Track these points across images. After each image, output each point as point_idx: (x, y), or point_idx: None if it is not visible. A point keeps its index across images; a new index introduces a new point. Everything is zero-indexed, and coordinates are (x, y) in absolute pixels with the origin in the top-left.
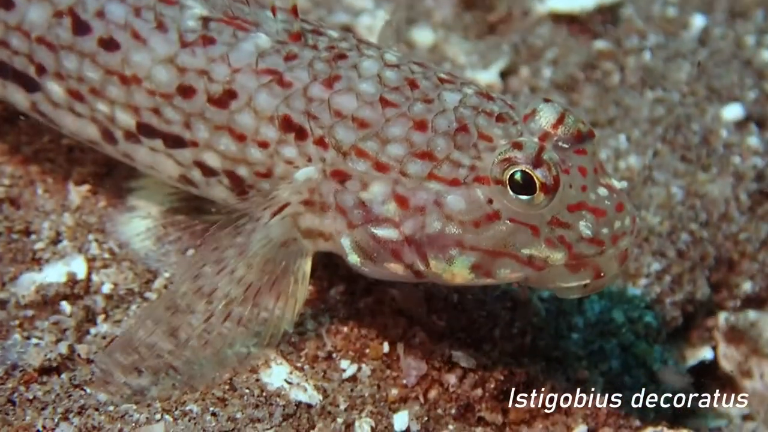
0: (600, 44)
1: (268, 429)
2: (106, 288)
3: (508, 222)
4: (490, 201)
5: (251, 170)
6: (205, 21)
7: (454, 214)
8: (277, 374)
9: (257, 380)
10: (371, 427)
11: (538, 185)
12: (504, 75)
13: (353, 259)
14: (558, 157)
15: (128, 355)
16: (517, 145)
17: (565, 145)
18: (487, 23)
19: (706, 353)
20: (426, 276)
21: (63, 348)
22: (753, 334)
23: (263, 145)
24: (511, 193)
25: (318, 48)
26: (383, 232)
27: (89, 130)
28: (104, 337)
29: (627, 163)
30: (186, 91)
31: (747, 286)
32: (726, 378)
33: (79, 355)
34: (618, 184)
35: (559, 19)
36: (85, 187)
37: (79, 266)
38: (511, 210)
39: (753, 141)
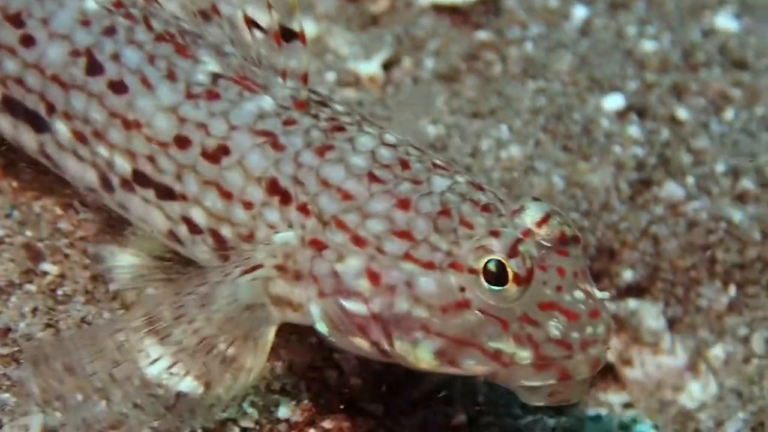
0: (482, 35)
1: None
2: None
3: (477, 312)
4: (462, 289)
5: (234, 231)
6: (216, 78)
7: (423, 297)
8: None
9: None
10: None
11: (511, 276)
12: (386, 66)
13: (321, 327)
14: (536, 252)
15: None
16: (494, 233)
17: (548, 245)
18: (369, 15)
19: None
20: (392, 356)
21: None
22: (633, 323)
23: (248, 205)
24: (483, 283)
25: (318, 118)
26: (352, 306)
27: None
28: None
29: (508, 153)
30: (182, 142)
31: (627, 275)
32: (607, 367)
33: None
34: (599, 294)
35: (441, 10)
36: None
37: None
38: (482, 300)
39: (633, 130)
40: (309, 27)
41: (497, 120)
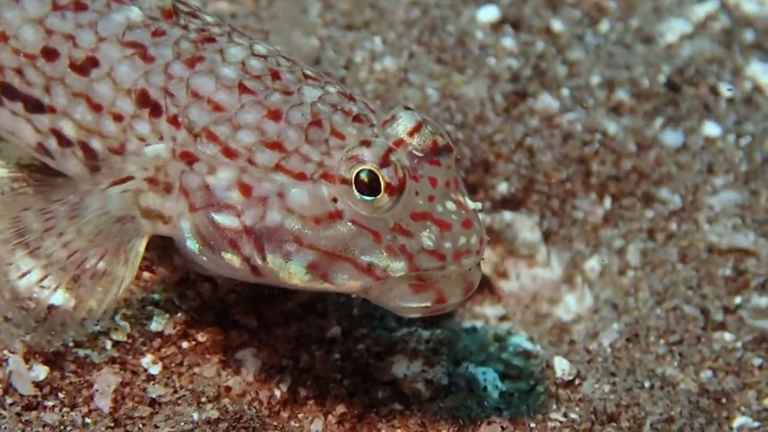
0: None
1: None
2: None
3: (350, 224)
4: (335, 199)
5: (104, 144)
6: None
7: (295, 208)
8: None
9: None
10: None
11: (383, 185)
12: None
13: (192, 245)
14: (408, 162)
15: None
16: (366, 143)
17: (420, 154)
18: None
19: None
20: (263, 274)
21: None
22: (509, 236)
23: (118, 118)
24: (356, 193)
25: (188, 29)
26: (223, 219)
27: None
28: None
29: (382, 65)
30: (50, 54)
31: (503, 188)
32: (482, 279)
33: None
34: (471, 204)
35: None
36: None
37: None
38: (355, 212)
39: (508, 42)
40: None
41: (371, 32)
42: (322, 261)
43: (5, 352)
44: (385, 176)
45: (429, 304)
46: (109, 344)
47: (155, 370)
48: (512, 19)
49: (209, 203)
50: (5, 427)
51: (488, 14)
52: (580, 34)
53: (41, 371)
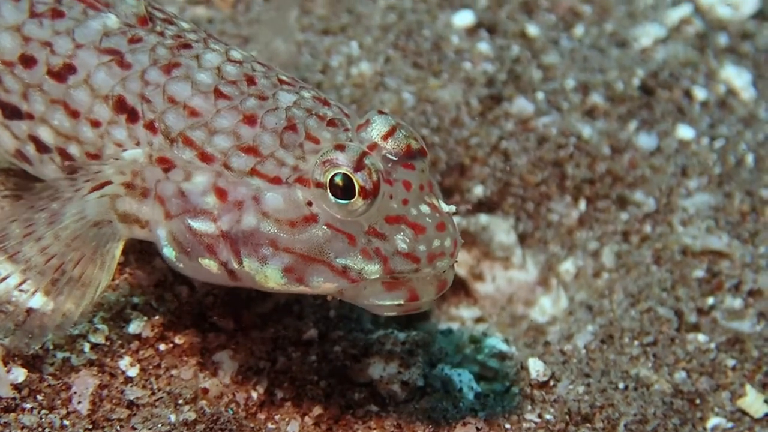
0: None
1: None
2: None
3: (324, 227)
4: (310, 203)
5: (82, 150)
6: None
7: (270, 212)
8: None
9: None
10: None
11: (357, 189)
12: None
13: (168, 252)
14: (382, 166)
15: None
16: (340, 147)
17: (394, 158)
18: None
19: None
20: (240, 278)
21: None
22: (484, 238)
23: (95, 124)
24: (330, 197)
25: (164, 35)
26: (199, 225)
27: None
28: None
29: (359, 70)
30: (27, 61)
31: (478, 191)
32: (458, 281)
33: None
34: (445, 207)
35: None
36: None
37: None
38: (329, 215)
39: (483, 47)
40: None
41: (348, 37)
42: (297, 264)
43: None
44: (359, 180)
45: (402, 302)
46: (87, 347)
47: (133, 372)
48: (487, 24)
49: (185, 209)
50: None
51: (464, 19)
52: (555, 38)
53: (20, 374)
